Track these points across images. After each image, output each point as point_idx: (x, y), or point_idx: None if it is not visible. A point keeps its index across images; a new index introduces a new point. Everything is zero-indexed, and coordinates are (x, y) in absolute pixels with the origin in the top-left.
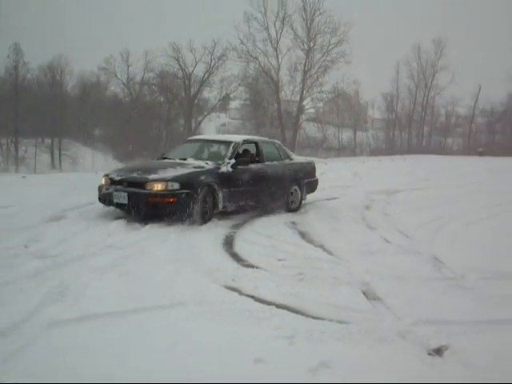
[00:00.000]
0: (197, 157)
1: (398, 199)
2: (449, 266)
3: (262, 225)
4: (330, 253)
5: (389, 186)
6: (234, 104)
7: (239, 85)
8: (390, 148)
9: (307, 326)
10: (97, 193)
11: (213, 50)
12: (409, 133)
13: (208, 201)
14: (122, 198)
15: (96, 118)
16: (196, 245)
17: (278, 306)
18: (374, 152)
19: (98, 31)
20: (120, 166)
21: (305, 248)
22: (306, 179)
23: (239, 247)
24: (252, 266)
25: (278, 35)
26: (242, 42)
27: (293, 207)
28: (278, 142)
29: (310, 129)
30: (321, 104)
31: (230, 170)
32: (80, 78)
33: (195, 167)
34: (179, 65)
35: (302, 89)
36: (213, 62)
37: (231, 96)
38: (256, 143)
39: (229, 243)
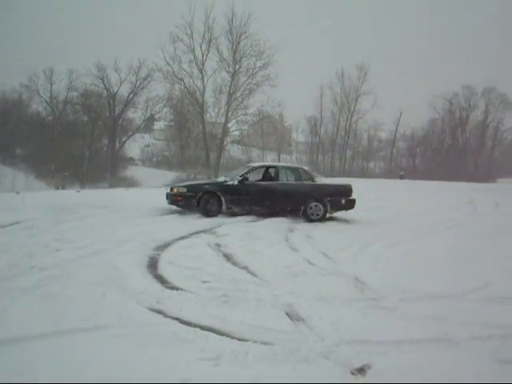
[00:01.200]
0: (228, 175)
1: (324, 223)
2: (371, 287)
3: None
4: (255, 274)
5: None
6: (158, 125)
7: (164, 106)
8: (313, 171)
9: (232, 348)
10: None
11: (138, 70)
12: (332, 156)
13: (212, 203)
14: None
15: (17, 136)
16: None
17: (203, 328)
18: None
19: (20, 47)
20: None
21: (230, 270)
22: (332, 197)
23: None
24: (177, 289)
25: (204, 57)
26: (167, 63)
27: (314, 218)
28: (304, 168)
29: (234, 151)
30: (245, 126)
31: (236, 183)
32: (1, 95)
33: (210, 181)
34: (104, 84)
35: (227, 111)
36: (138, 82)
37: (156, 117)
38: (275, 167)
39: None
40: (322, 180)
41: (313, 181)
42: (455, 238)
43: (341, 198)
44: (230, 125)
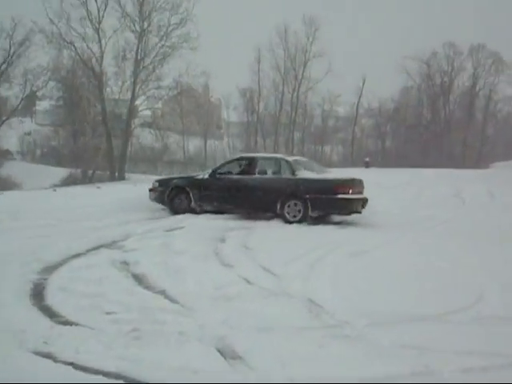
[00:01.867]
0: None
1: (264, 227)
2: (329, 311)
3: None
4: (175, 300)
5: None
6: (42, 105)
7: (49, 79)
8: (318, 161)
9: None
10: None
11: (12, 32)
12: (275, 140)
13: (180, 198)
14: None
15: None
16: None
17: (108, 375)
18: None
19: None
20: None
21: (142, 295)
22: (314, 195)
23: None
24: (71, 323)
25: (101, 12)
26: (51, 22)
27: (291, 220)
28: (287, 159)
29: (145, 137)
30: (159, 104)
31: (206, 177)
32: None
33: (185, 175)
34: None
35: (134, 84)
36: (12, 48)
37: (38, 94)
38: (253, 159)
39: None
40: (306, 174)
41: (293, 174)
42: (437, 241)
43: (329, 196)
44: (138, 102)
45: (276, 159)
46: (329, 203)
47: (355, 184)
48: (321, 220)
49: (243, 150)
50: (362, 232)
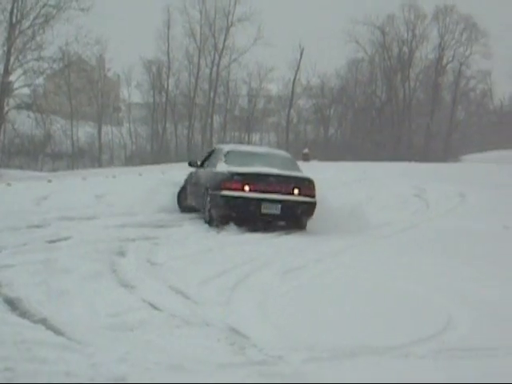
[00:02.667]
0: None
1: (175, 236)
2: (257, 343)
3: None
4: (59, 331)
5: (156, 214)
6: None
7: None
8: (158, 152)
9: None
10: None
11: None
12: (189, 126)
13: (182, 194)
14: None
15: None
16: None
17: None
18: (133, 159)
19: None
20: None
21: (17, 326)
22: (215, 191)
23: None
24: None
25: None
26: None
27: (207, 220)
28: (223, 147)
29: (22, 122)
30: (41, 80)
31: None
32: None
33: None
34: None
35: (8, 54)
36: None
37: None
38: (213, 150)
39: None
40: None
41: (215, 167)
42: (394, 254)
43: (216, 193)
44: (12, 78)
45: (216, 150)
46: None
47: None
48: (250, 227)
49: (148, 139)
50: (300, 242)
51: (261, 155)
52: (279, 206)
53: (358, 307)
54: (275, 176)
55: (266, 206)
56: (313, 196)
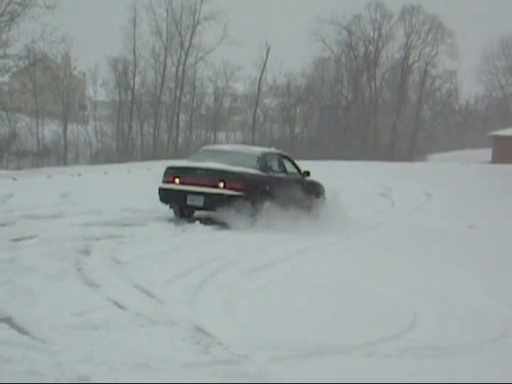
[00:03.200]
0: None
1: (140, 235)
2: (222, 342)
3: None
4: (24, 330)
5: (121, 213)
6: None
7: None
8: (124, 150)
9: None
10: None
11: None
12: (155, 124)
13: None
14: None
15: None
16: None
17: None
18: (99, 157)
19: None
20: None
21: None
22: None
23: None
24: None
25: None
26: None
27: None
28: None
29: None
30: (6, 78)
31: None
32: None
33: None
34: None
35: None
36: None
37: None
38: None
39: None
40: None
41: None
42: (360, 254)
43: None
44: None
45: None
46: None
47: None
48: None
49: (114, 138)
50: (267, 240)
51: (227, 153)
52: (202, 198)
53: (324, 306)
54: (202, 170)
55: (191, 198)
56: (240, 189)
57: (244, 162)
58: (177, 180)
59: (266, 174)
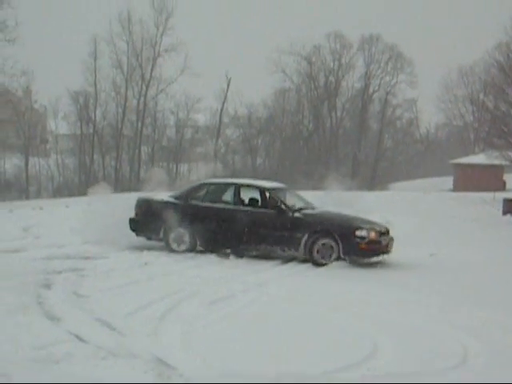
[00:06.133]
0: None
1: (102, 268)
2: (183, 373)
3: None
4: None
5: (83, 245)
6: None
7: None
8: (86, 183)
9: None
10: None
11: None
12: (117, 157)
13: None
14: None
15: None
16: None
17: None
18: (61, 190)
19: None
20: None
21: None
22: None
23: None
24: None
25: None
26: None
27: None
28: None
29: None
30: None
31: None
32: None
33: None
34: None
35: None
36: None
37: None
38: None
39: None
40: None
41: None
42: (316, 283)
43: None
44: None
45: None
46: None
47: None
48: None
49: (77, 170)
50: (227, 272)
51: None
52: None
53: (285, 336)
54: None
55: None
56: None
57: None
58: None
59: (180, 202)
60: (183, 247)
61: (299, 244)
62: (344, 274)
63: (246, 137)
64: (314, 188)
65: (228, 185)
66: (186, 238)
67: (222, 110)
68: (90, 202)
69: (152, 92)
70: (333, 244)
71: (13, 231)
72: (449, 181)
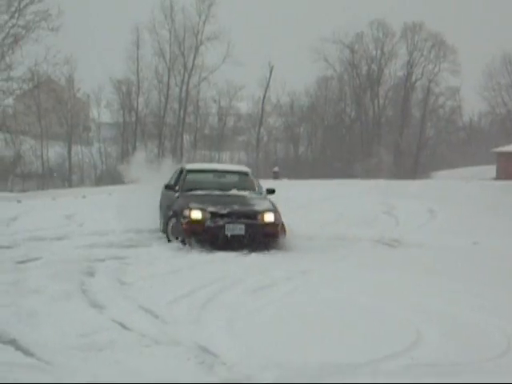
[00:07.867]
0: None
1: (144, 256)
2: (226, 362)
3: None
4: (29, 352)
5: (125, 234)
6: None
7: None
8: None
9: None
10: None
11: None
12: (159, 144)
13: None
14: None
15: None
16: None
17: None
18: (104, 179)
19: None
20: None
21: None
22: None
23: None
24: None
25: None
26: None
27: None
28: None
29: None
30: (10, 100)
31: None
32: None
33: None
34: None
35: None
36: None
37: None
38: None
39: None
40: None
41: None
42: (361, 271)
43: None
44: None
45: None
46: None
47: None
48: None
49: (117, 158)
50: (269, 260)
51: None
52: None
53: (327, 324)
54: None
55: None
56: None
57: None
58: None
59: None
60: None
61: None
62: (383, 263)
63: (289, 125)
64: (356, 177)
65: None
66: None
67: (264, 98)
68: (133, 190)
69: (194, 80)
70: None
71: (56, 219)
72: (492, 169)
